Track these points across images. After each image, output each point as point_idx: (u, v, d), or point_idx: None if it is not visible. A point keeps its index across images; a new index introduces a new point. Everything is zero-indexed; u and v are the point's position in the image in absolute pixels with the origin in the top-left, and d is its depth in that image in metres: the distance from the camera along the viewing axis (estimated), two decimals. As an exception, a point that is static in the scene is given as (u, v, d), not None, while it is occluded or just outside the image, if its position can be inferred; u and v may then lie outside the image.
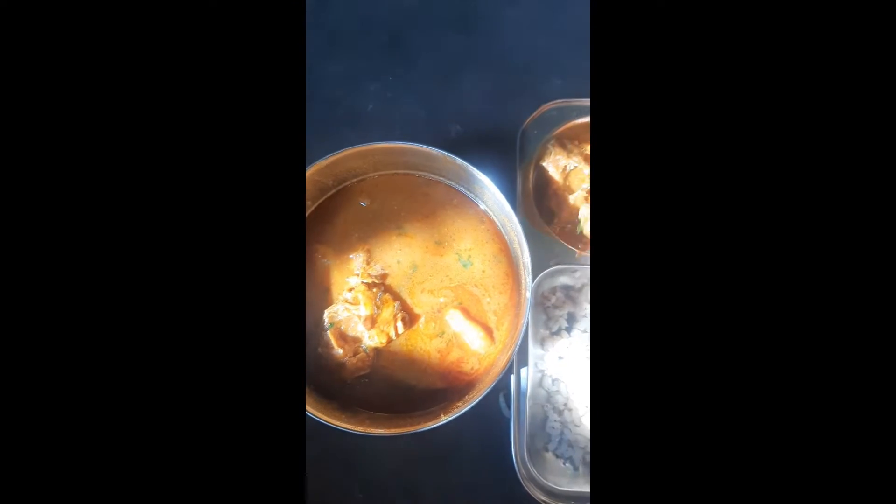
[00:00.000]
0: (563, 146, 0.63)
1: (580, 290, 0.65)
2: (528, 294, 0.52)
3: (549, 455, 0.61)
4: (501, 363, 0.55)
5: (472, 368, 0.58)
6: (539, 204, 0.63)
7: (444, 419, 0.51)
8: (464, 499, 0.62)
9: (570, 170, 0.62)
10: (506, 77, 0.68)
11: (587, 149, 0.63)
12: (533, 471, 0.59)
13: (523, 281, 0.55)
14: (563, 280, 0.64)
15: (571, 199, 0.62)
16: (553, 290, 0.64)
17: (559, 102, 0.63)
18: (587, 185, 0.61)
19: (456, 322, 0.58)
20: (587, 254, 0.61)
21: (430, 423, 0.51)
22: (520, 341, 0.52)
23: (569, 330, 0.64)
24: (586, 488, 0.59)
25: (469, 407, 0.51)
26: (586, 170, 0.62)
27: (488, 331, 0.58)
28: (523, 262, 0.54)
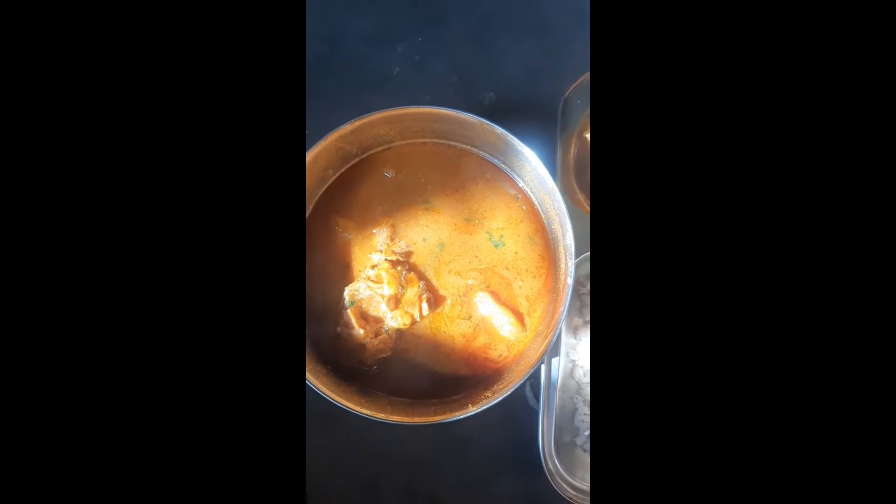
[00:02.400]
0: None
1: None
2: (570, 280, 0.48)
3: (578, 450, 0.58)
4: (534, 352, 0.51)
5: (499, 355, 0.54)
6: (579, 180, 0.58)
7: (473, 410, 0.47)
8: (485, 492, 0.59)
9: None
10: (546, 40, 0.62)
11: None
12: (560, 466, 0.55)
13: (563, 265, 0.50)
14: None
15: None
16: (588, 277, 0.60)
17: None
18: None
19: (484, 306, 0.54)
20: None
21: (458, 414, 0.48)
22: (558, 331, 0.48)
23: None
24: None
25: (500, 399, 0.47)
26: None
27: (519, 317, 0.54)
28: (564, 245, 0.49)
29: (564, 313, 0.48)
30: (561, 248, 0.51)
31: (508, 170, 0.55)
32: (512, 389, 0.47)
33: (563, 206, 0.48)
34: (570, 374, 0.59)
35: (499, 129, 0.48)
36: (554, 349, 0.56)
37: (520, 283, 0.55)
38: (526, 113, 0.59)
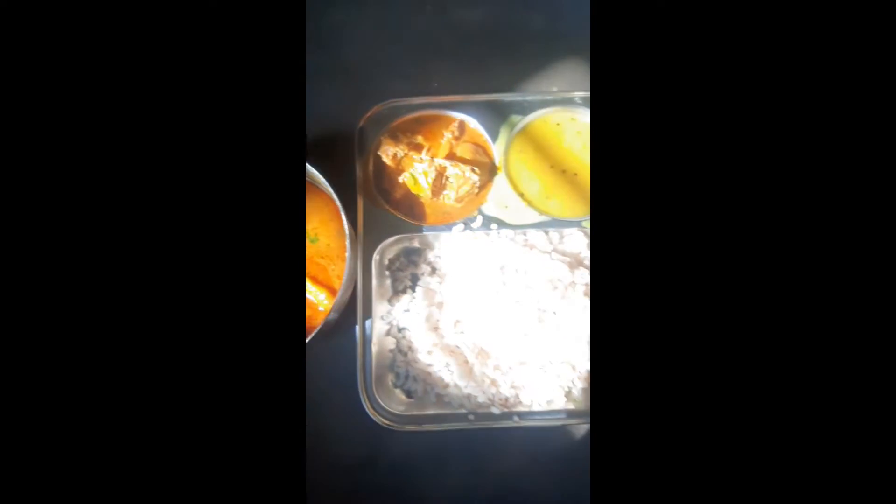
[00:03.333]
0: (395, 137, 0.76)
1: (420, 254, 0.79)
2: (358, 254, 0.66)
3: (398, 391, 0.76)
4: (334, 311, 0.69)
5: (319, 323, 0.72)
6: (378, 187, 0.77)
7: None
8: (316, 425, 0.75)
9: (400, 157, 0.76)
10: (347, 83, 0.81)
11: (416, 139, 0.77)
12: (380, 399, 0.73)
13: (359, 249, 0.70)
14: (405, 246, 0.79)
15: (401, 179, 0.76)
16: (397, 256, 0.79)
17: (390, 102, 0.76)
18: (413, 168, 0.74)
19: (308, 289, 0.72)
20: (421, 224, 0.76)
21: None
22: (347, 293, 0.66)
23: (412, 288, 0.78)
24: (426, 411, 0.74)
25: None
26: (415, 156, 0.75)
27: (333, 292, 0.72)
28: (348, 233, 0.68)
29: (352, 283, 0.66)
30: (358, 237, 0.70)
31: (317, 184, 0.74)
32: (312, 335, 0.65)
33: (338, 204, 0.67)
34: (387, 333, 0.78)
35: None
36: (366, 313, 0.75)
37: (333, 267, 0.73)
38: (330, 140, 0.78)
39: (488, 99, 0.78)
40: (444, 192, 0.75)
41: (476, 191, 0.75)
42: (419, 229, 0.76)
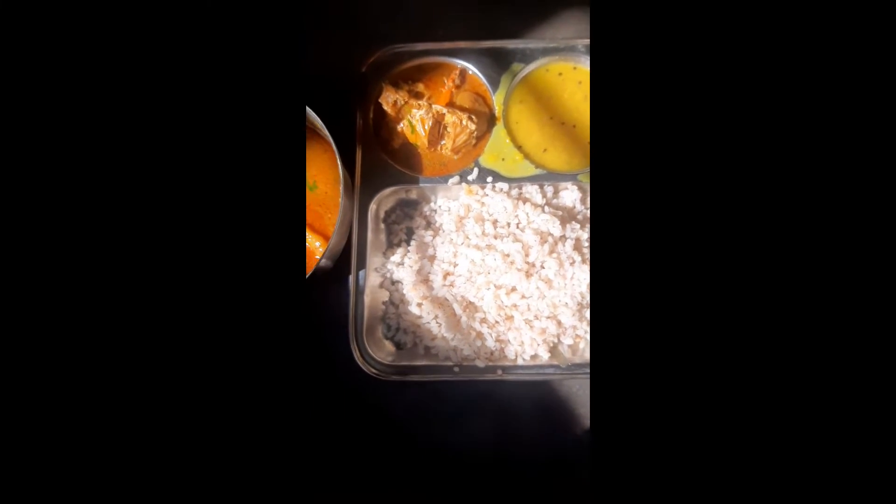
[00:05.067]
0: (396, 85, 0.75)
1: (415, 207, 0.78)
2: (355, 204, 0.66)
3: (387, 342, 0.77)
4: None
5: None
6: (377, 135, 0.76)
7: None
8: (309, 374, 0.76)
9: (401, 105, 0.74)
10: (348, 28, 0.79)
11: (417, 87, 0.75)
12: (370, 349, 0.74)
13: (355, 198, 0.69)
14: (401, 198, 0.78)
15: (400, 127, 0.75)
16: (393, 209, 0.78)
17: (393, 48, 0.74)
18: (412, 115, 0.73)
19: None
20: (419, 176, 0.75)
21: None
22: (341, 242, 0.66)
23: (407, 241, 0.78)
24: (414, 362, 0.75)
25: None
26: (414, 104, 0.74)
27: (328, 240, 0.72)
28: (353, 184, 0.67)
29: (347, 229, 0.66)
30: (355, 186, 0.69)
31: (317, 130, 0.72)
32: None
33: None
34: (380, 285, 0.78)
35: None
36: (360, 264, 0.75)
37: (329, 215, 0.72)
38: (330, 86, 0.76)
39: (492, 46, 0.76)
40: (441, 142, 0.74)
41: (473, 141, 0.74)
42: (416, 181, 0.75)
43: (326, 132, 0.67)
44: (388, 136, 0.76)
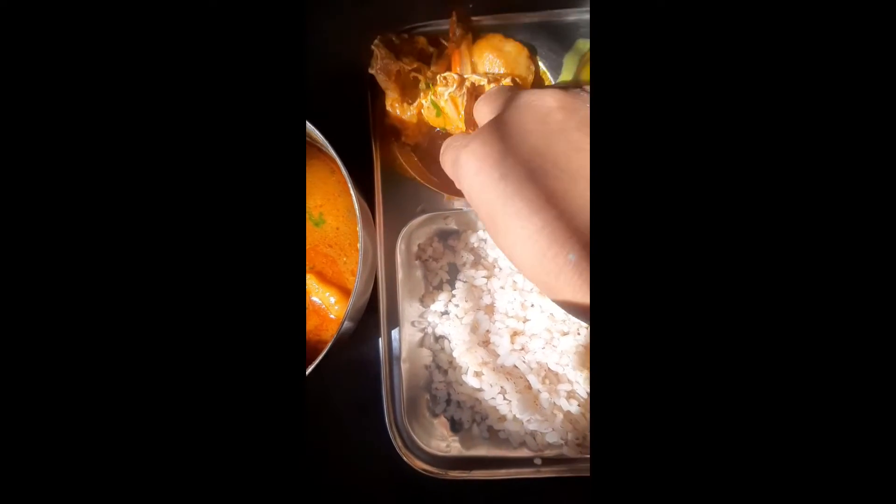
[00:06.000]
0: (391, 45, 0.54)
1: (459, 237, 0.59)
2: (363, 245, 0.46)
3: (437, 420, 0.57)
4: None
5: (330, 335, 0.53)
6: (397, 143, 0.56)
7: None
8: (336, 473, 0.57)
9: (405, 74, 0.54)
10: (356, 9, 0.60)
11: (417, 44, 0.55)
12: (411, 436, 0.54)
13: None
14: (438, 228, 0.59)
15: (409, 113, 0.55)
16: (429, 241, 0.59)
17: (411, 27, 0.55)
18: (438, 95, 0.53)
19: (311, 289, 0.53)
20: (458, 198, 0.55)
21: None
22: (359, 296, 0.47)
23: (451, 283, 0.58)
24: (476, 451, 0.55)
25: (309, 370, 0.46)
26: (429, 76, 0.54)
27: (346, 293, 0.53)
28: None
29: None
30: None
31: (321, 143, 0.53)
32: (314, 363, 0.45)
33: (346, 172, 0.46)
34: (421, 343, 0.58)
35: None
36: (391, 321, 0.55)
37: (345, 259, 0.53)
38: (334, 89, 0.57)
39: (545, 19, 0.57)
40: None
41: None
42: (455, 204, 0.56)
43: (330, 148, 0.48)
44: (403, 131, 0.56)
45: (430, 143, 0.57)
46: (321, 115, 0.47)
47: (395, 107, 0.54)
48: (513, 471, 0.52)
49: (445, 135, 0.56)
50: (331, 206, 0.53)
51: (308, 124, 0.47)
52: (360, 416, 0.55)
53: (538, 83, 0.56)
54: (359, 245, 0.46)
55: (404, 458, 0.53)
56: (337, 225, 0.53)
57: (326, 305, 0.53)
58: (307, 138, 0.53)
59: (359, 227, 0.45)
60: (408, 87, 0.54)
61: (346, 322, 0.48)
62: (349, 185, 0.47)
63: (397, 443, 0.54)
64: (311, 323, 0.53)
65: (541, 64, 0.57)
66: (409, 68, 0.53)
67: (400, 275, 0.55)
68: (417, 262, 0.59)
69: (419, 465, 0.54)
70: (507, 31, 0.56)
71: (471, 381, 0.55)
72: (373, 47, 0.53)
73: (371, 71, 0.53)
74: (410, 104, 0.54)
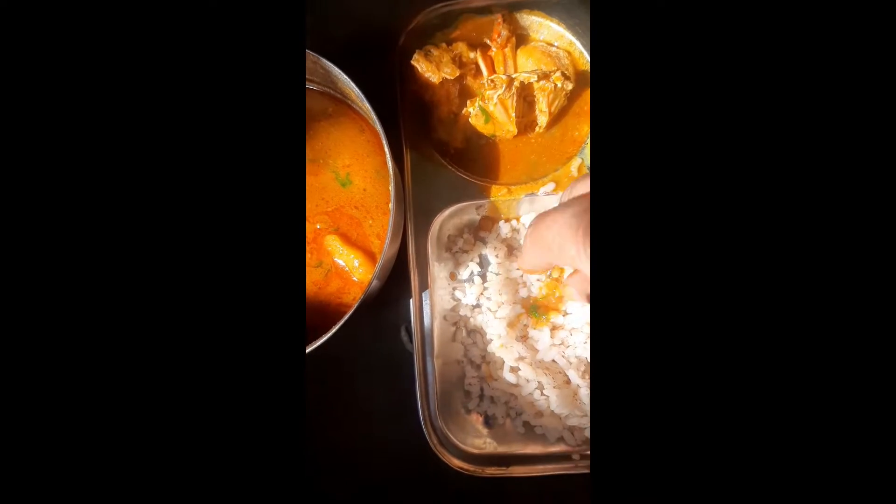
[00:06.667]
0: (428, 56, 0.53)
1: (490, 227, 0.54)
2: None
3: (472, 416, 0.49)
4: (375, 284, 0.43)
5: (353, 299, 0.46)
6: (428, 133, 0.53)
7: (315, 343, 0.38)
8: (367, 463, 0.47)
9: (450, 81, 0.52)
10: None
11: (490, 51, 0.54)
12: (446, 434, 0.46)
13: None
14: (469, 219, 0.54)
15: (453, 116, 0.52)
16: (460, 232, 0.54)
17: (441, 6, 0.54)
18: (486, 99, 0.50)
19: (335, 250, 0.47)
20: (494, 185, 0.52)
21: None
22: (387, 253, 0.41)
23: (482, 275, 0.53)
24: (511, 448, 0.47)
25: (335, 330, 0.38)
26: (481, 81, 0.53)
27: (370, 256, 0.46)
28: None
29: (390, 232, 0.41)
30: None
31: (350, 102, 0.50)
32: (343, 319, 0.38)
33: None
34: (453, 338, 0.51)
35: (325, 62, 0.43)
36: (424, 283, 0.49)
37: (370, 222, 0.48)
38: (372, 51, 0.55)
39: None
40: (537, 125, 0.52)
41: (565, 102, 0.52)
42: (487, 188, 0.52)
43: (365, 101, 0.44)
44: (445, 137, 0.54)
45: (470, 145, 0.54)
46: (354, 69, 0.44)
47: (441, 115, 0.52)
48: (550, 466, 0.48)
49: (488, 142, 0.53)
50: (358, 167, 0.49)
51: (342, 74, 0.44)
52: (394, 415, 0.49)
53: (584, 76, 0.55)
54: (390, 207, 0.41)
55: (440, 456, 0.45)
56: (364, 186, 0.49)
57: (350, 268, 0.46)
58: (337, 94, 0.50)
59: (391, 187, 0.40)
60: (452, 95, 0.53)
61: (374, 281, 0.41)
62: (384, 143, 0.42)
63: (432, 440, 0.46)
64: (334, 285, 0.46)
65: (583, 51, 0.55)
66: (452, 78, 0.52)
67: (431, 258, 0.50)
68: (447, 253, 0.53)
69: (456, 462, 0.46)
70: (548, 10, 0.55)
71: (507, 375, 0.49)
72: (412, 63, 0.52)
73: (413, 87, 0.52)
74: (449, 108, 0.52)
